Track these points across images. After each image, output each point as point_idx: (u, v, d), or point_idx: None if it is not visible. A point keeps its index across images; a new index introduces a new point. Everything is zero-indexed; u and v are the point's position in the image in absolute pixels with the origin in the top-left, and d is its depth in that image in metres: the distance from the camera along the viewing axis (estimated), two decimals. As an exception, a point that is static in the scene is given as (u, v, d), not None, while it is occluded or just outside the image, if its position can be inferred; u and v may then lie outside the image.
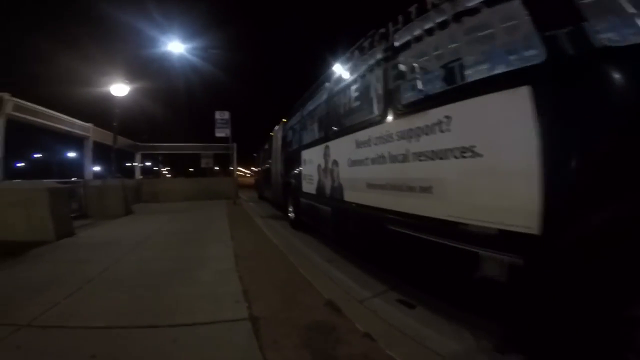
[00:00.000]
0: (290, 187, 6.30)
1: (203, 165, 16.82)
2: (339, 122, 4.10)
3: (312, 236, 5.64)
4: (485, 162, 1.86)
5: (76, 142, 11.88)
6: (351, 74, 3.71)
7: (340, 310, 2.45)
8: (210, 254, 4.32)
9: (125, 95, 11.42)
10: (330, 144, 4.11)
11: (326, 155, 4.22)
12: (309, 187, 5.00)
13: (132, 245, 4.74)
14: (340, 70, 3.97)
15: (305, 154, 5.22)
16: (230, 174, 13.99)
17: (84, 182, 8.86)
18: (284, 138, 7.22)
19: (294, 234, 6.01)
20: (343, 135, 3.77)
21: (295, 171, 5.98)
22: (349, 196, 3.62)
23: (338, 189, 3.86)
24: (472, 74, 2.30)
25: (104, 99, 11.45)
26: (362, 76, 3.47)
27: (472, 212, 1.94)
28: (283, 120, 7.47)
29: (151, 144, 15.45)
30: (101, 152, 12.46)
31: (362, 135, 3.29)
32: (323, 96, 4.55)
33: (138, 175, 15.77)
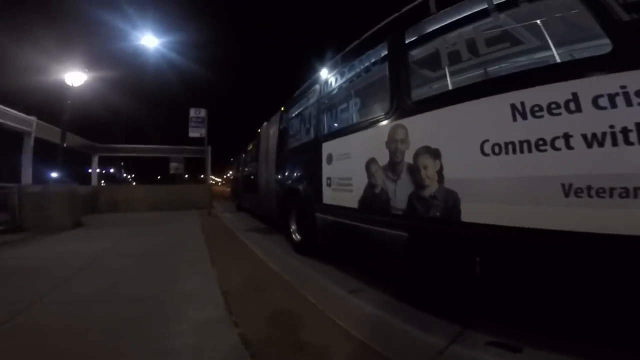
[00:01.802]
0: (296, 197, 4.23)
1: (172, 171, 14.22)
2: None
3: (318, 259, 3.69)
4: None
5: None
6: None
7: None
8: (183, 289, 2.59)
9: (85, 88, 9.11)
10: (412, 121, 2.16)
11: (394, 142, 2.28)
12: (340, 197, 3.01)
13: (67, 274, 2.99)
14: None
15: (333, 147, 3.22)
16: (203, 181, 11.53)
17: (19, 187, 6.51)
18: (283, 132, 5.16)
19: (293, 255, 4.01)
20: (466, 100, 1.82)
21: (306, 174, 3.97)
22: (477, 214, 1.69)
23: (435, 201, 1.92)
24: None
25: (58, 90, 9.05)
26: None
27: None
28: (281, 109, 5.44)
29: (111, 146, 12.47)
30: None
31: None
32: (396, 49, 2.43)
33: (95, 181, 12.89)
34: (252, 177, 7.67)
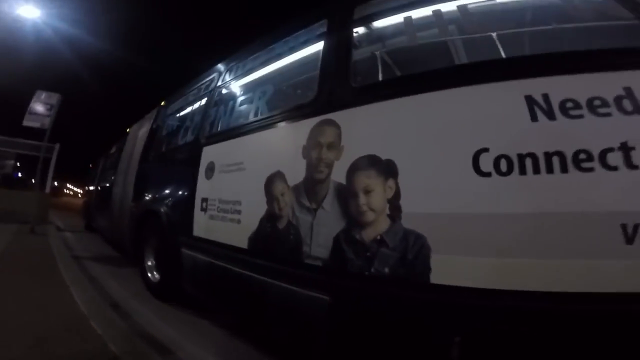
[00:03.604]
0: (155, 222, 2.90)
1: (-8, 170, 10.30)
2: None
3: (188, 306, 2.47)
4: None
5: None
6: None
7: None
8: None
9: None
10: (350, 115, 1.31)
11: (316, 148, 1.36)
12: (221, 229, 1.91)
13: None
14: None
15: (218, 153, 2.12)
16: (40, 186, 8.35)
17: None
18: (155, 132, 3.76)
19: (148, 301, 2.64)
20: (452, 85, 1.12)
21: (173, 192, 2.74)
22: (463, 273, 0.95)
23: (383, 249, 1.09)
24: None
25: None
26: None
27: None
28: (161, 103, 4.06)
29: None
30: None
31: None
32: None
33: None
34: (107, 189, 5.74)
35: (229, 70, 2.51)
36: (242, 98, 2.26)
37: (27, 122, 6.89)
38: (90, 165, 10.60)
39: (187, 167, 2.49)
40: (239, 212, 1.78)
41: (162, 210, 2.73)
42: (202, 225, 2.14)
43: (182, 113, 3.24)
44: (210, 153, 2.25)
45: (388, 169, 1.15)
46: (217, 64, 2.85)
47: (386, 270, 1.11)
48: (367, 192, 1.19)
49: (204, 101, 2.74)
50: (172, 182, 2.80)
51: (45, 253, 4.18)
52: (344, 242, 1.22)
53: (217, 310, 2.29)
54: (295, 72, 2.12)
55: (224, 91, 2.51)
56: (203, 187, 2.20)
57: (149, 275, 2.97)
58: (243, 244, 1.71)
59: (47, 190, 8.35)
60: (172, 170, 2.90)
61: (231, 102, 2.32)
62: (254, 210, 1.67)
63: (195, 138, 2.57)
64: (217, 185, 2.07)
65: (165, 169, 3.13)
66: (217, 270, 1.95)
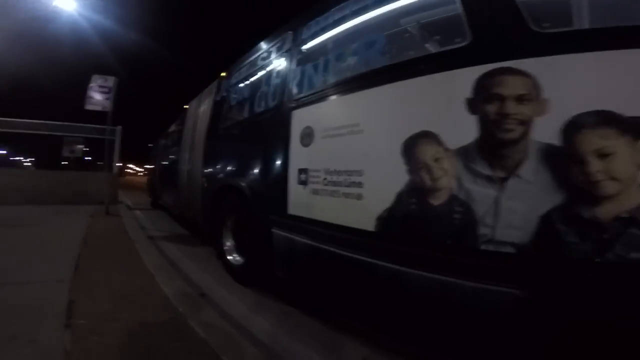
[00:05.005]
0: (235, 199, 2.72)
1: (66, 153, 11.06)
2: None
3: (275, 291, 2.37)
4: None
5: None
6: None
7: None
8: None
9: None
10: (561, 61, 0.96)
11: (494, 102, 1.00)
12: (329, 206, 1.63)
13: None
14: None
15: (316, 116, 1.83)
16: (108, 168, 8.74)
17: None
18: (220, 104, 3.56)
19: (231, 286, 2.54)
20: None
21: (256, 164, 2.49)
22: None
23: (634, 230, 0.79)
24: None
25: None
26: None
27: None
28: (220, 75, 3.84)
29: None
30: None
31: None
32: None
33: None
34: (172, 166, 5.82)
35: (318, 20, 2.13)
36: (341, 50, 1.90)
37: (88, 106, 7.05)
38: (151, 145, 11.00)
39: (272, 135, 2.26)
40: (359, 184, 1.49)
41: (244, 185, 2.53)
42: (302, 202, 1.89)
43: (253, 79, 2.96)
44: (304, 117, 1.96)
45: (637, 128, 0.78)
46: (283, 27, 2.51)
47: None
48: (604, 155, 0.83)
49: (283, 61, 2.41)
50: (253, 154, 2.57)
51: (122, 235, 4.22)
52: (560, 222, 0.89)
53: (323, 300, 2.08)
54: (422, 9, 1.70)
55: (313, 45, 2.15)
56: (299, 156, 1.94)
57: (229, 257, 2.84)
58: (368, 225, 1.43)
59: (114, 171, 8.73)
60: (251, 141, 2.68)
61: (326, 57, 1.97)
62: (384, 181, 1.37)
63: (278, 102, 2.28)
64: (320, 153, 1.79)
65: (241, 140, 2.92)
66: (326, 256, 1.70)
